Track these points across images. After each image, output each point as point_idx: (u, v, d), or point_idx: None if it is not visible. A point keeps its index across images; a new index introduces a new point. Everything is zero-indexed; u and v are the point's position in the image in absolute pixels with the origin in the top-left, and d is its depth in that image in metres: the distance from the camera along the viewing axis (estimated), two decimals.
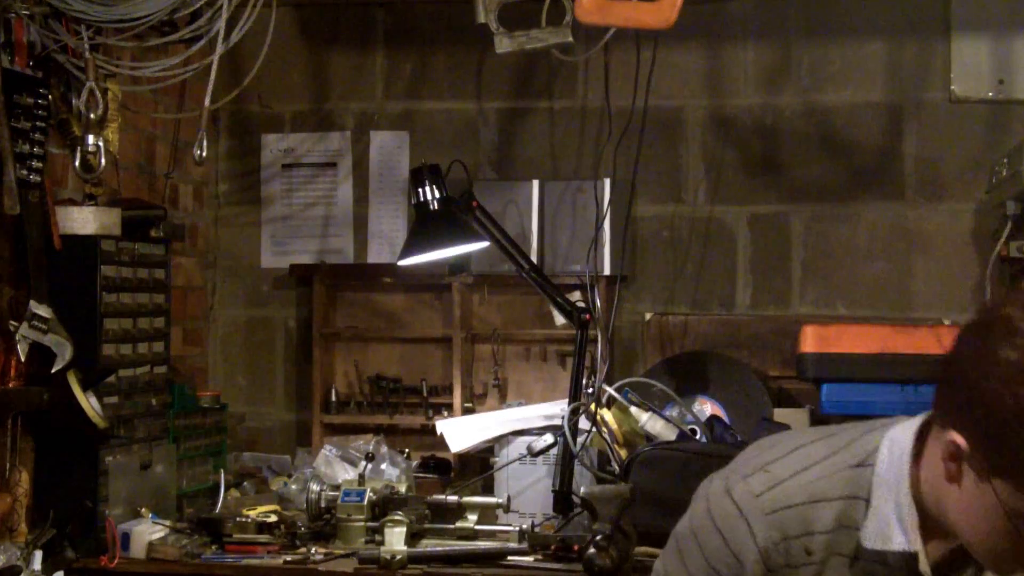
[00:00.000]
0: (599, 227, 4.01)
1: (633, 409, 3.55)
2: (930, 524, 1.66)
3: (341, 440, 3.92)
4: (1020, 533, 1.53)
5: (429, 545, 3.25)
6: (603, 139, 4.12)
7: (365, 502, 3.32)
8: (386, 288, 4.32)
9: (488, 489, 3.62)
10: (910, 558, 1.66)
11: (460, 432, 3.75)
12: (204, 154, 3.27)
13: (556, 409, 3.64)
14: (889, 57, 4.06)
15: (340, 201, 4.39)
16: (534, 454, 3.48)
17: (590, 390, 3.57)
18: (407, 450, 3.90)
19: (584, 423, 3.47)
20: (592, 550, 2.91)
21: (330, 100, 4.41)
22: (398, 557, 3.14)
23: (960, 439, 1.57)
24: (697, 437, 3.51)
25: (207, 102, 3.21)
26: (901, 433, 1.75)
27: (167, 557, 3.22)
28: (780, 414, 3.73)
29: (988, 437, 1.53)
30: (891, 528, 1.67)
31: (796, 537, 1.68)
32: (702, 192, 4.17)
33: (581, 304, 3.77)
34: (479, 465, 3.87)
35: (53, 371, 3.11)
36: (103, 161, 3.28)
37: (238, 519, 3.36)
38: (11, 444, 3.13)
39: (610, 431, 3.50)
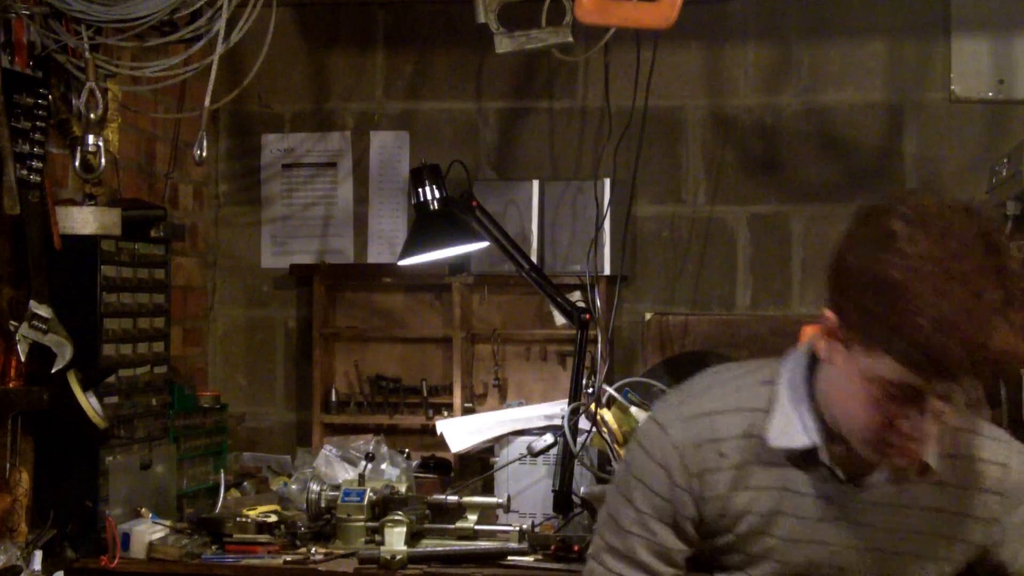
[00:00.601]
0: (599, 227, 4.01)
1: (633, 409, 3.54)
2: (833, 429, 1.78)
3: (341, 440, 3.91)
4: (879, 405, 1.66)
5: (429, 545, 3.25)
6: (603, 139, 4.12)
7: (365, 502, 3.32)
8: (386, 288, 4.32)
9: (488, 489, 3.62)
10: (817, 459, 1.80)
11: (460, 432, 3.75)
12: (204, 154, 3.27)
13: (556, 409, 3.64)
14: (889, 57, 4.06)
15: (340, 201, 4.39)
16: (534, 454, 3.48)
17: (590, 390, 3.57)
18: (407, 450, 3.90)
19: (584, 423, 3.46)
20: None
21: (330, 100, 4.41)
22: (398, 557, 3.14)
23: (830, 314, 1.71)
24: None
25: (207, 102, 3.21)
26: (803, 347, 1.88)
27: (167, 557, 3.22)
28: None
29: (847, 304, 1.67)
30: (793, 426, 1.80)
31: (709, 441, 1.84)
32: (702, 192, 4.17)
33: (581, 304, 3.77)
34: (479, 465, 3.87)
35: (53, 371, 3.11)
36: (103, 161, 3.28)
37: (238, 519, 3.36)
38: (11, 444, 3.13)
39: (610, 431, 3.50)
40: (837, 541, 1.84)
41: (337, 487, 3.41)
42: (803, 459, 1.81)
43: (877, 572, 1.86)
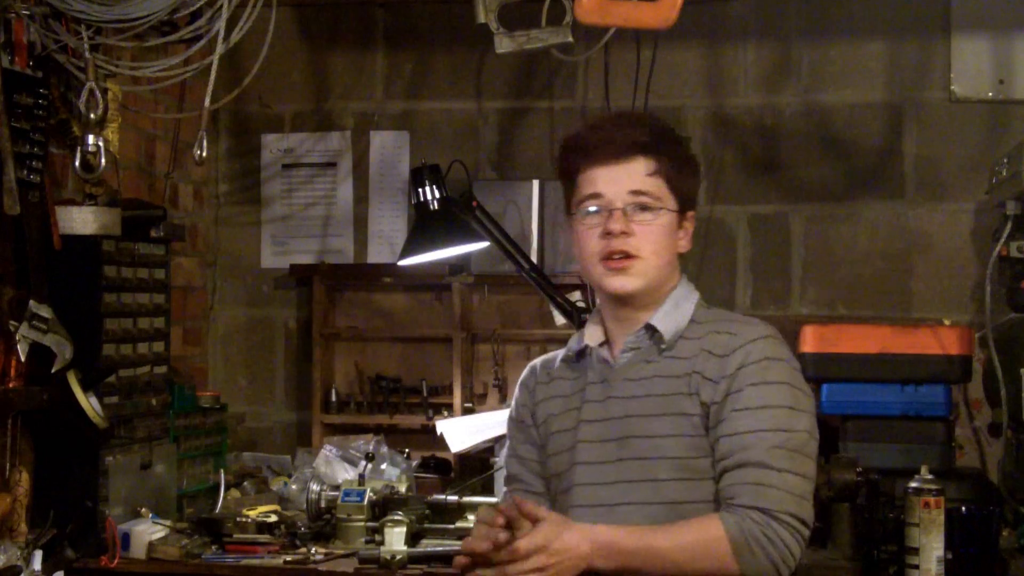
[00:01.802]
0: None
1: None
2: (615, 323, 2.32)
3: (341, 440, 3.92)
4: (585, 226, 2.24)
5: (429, 545, 3.25)
6: None
7: (365, 502, 3.32)
8: (386, 288, 4.32)
9: (488, 489, 3.62)
10: (595, 351, 2.32)
11: (460, 432, 3.75)
12: (204, 154, 3.27)
13: None
14: (889, 57, 4.06)
15: (340, 201, 4.39)
16: None
17: None
18: (407, 450, 3.90)
19: None
20: None
21: (330, 100, 4.41)
22: (398, 557, 3.14)
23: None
24: None
25: (207, 102, 3.21)
26: None
27: (167, 557, 3.22)
28: None
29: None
30: (581, 335, 2.36)
31: (543, 364, 2.43)
32: (702, 192, 4.15)
33: (581, 304, 3.76)
34: (479, 465, 3.87)
35: (53, 371, 3.11)
36: (103, 161, 3.28)
37: (238, 519, 3.36)
38: (11, 444, 3.13)
39: None
40: (603, 415, 2.26)
41: (337, 487, 3.41)
42: (589, 355, 2.32)
43: (627, 433, 2.22)
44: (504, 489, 2.47)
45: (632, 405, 2.24)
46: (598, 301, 2.38)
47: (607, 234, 2.22)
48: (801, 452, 2.14)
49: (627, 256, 2.22)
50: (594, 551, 2.11)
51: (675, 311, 2.28)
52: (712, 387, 2.19)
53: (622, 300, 2.28)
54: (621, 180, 2.23)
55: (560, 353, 2.43)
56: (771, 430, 2.13)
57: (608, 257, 2.23)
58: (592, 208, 2.25)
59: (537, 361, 2.46)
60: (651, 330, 2.27)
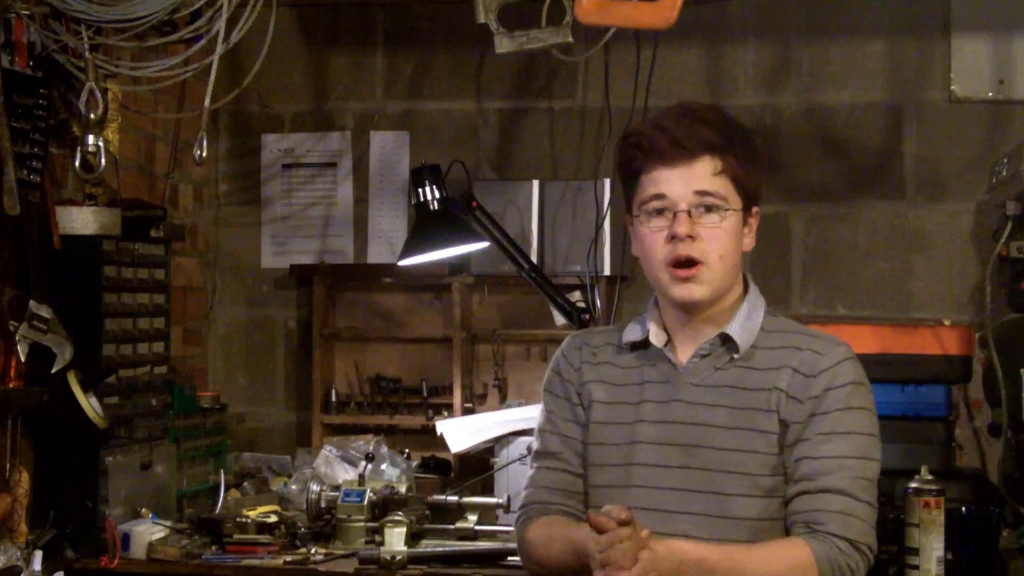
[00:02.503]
0: (599, 227, 4.01)
1: None
2: (677, 325, 2.25)
3: (341, 440, 3.91)
4: (649, 229, 2.19)
5: (429, 545, 3.25)
6: (603, 139, 4.13)
7: (365, 502, 3.32)
8: (386, 288, 4.32)
9: (488, 489, 3.62)
10: (657, 349, 2.25)
11: (460, 432, 3.75)
12: (204, 154, 3.27)
13: None
14: (889, 57, 4.06)
15: (340, 201, 4.39)
16: None
17: None
18: (407, 450, 3.89)
19: None
20: None
21: (330, 100, 4.41)
22: (398, 557, 3.14)
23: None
24: None
25: (207, 102, 3.21)
26: None
27: (167, 557, 3.22)
28: None
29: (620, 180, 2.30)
30: (636, 327, 2.30)
31: (585, 344, 2.35)
32: None
33: (581, 304, 3.76)
34: (479, 465, 3.87)
35: (53, 371, 3.11)
36: (103, 161, 3.27)
37: (238, 519, 3.36)
38: (11, 444, 3.13)
39: None
40: (667, 417, 2.21)
41: (337, 487, 3.41)
42: (646, 347, 2.26)
43: (694, 441, 2.17)
44: (537, 465, 2.35)
45: (700, 413, 2.19)
46: (656, 297, 2.30)
47: (672, 238, 2.16)
48: (875, 482, 2.17)
49: (693, 263, 2.16)
50: (683, 568, 2.06)
51: (748, 320, 2.24)
52: (796, 406, 2.16)
53: (687, 308, 2.23)
54: (686, 180, 2.16)
55: (603, 334, 2.37)
56: (854, 457, 2.14)
57: (675, 264, 2.17)
58: (656, 209, 2.18)
59: (579, 336, 2.39)
60: (725, 338, 2.23)
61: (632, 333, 2.30)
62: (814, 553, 2.08)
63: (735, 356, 2.22)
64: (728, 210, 2.17)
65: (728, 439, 2.17)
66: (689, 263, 2.16)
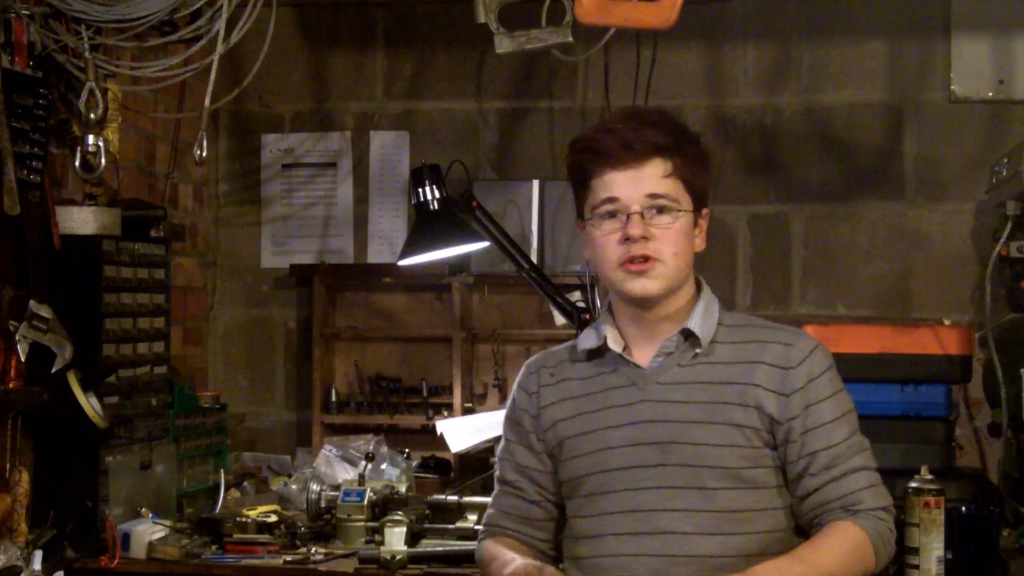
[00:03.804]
0: None
1: None
2: (634, 328, 2.28)
3: (341, 440, 3.92)
4: (601, 232, 2.20)
5: (429, 545, 3.25)
6: None
7: (365, 502, 3.32)
8: (386, 288, 4.32)
9: (488, 489, 3.60)
10: (615, 355, 2.27)
11: (460, 432, 3.75)
12: (204, 154, 3.27)
13: None
14: (889, 57, 4.06)
15: (340, 201, 4.39)
16: None
17: None
18: (407, 450, 3.90)
19: None
20: None
21: (330, 100, 4.41)
22: (398, 557, 3.14)
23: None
24: None
25: (207, 102, 3.21)
26: None
27: (167, 557, 3.22)
28: None
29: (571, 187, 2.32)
30: (592, 333, 2.31)
31: (542, 367, 2.36)
32: None
33: (581, 304, 3.76)
34: (479, 465, 3.87)
35: (53, 371, 3.11)
36: (103, 161, 3.28)
37: (238, 519, 3.36)
38: (11, 444, 3.13)
39: None
40: (636, 418, 2.22)
41: (337, 487, 3.41)
42: (604, 355, 2.28)
43: (668, 439, 2.19)
44: (498, 489, 2.44)
45: (671, 410, 2.22)
46: (610, 303, 2.34)
47: (626, 239, 2.19)
48: (869, 448, 2.28)
49: (647, 259, 2.19)
50: None
51: (707, 316, 2.27)
52: (781, 401, 2.20)
53: (642, 303, 2.25)
54: (637, 183, 2.19)
55: (558, 352, 2.40)
56: (852, 434, 2.24)
57: (629, 261, 2.20)
58: (609, 212, 2.21)
59: (535, 361, 2.41)
60: (686, 334, 2.26)
61: (587, 341, 2.32)
62: (864, 530, 2.17)
63: (698, 351, 2.25)
64: (680, 211, 2.21)
65: (703, 434, 2.19)
66: (644, 260, 2.20)
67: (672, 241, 2.20)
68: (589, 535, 2.25)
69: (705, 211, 2.28)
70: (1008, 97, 3.97)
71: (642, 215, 2.19)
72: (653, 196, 2.19)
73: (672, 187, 2.20)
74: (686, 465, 2.18)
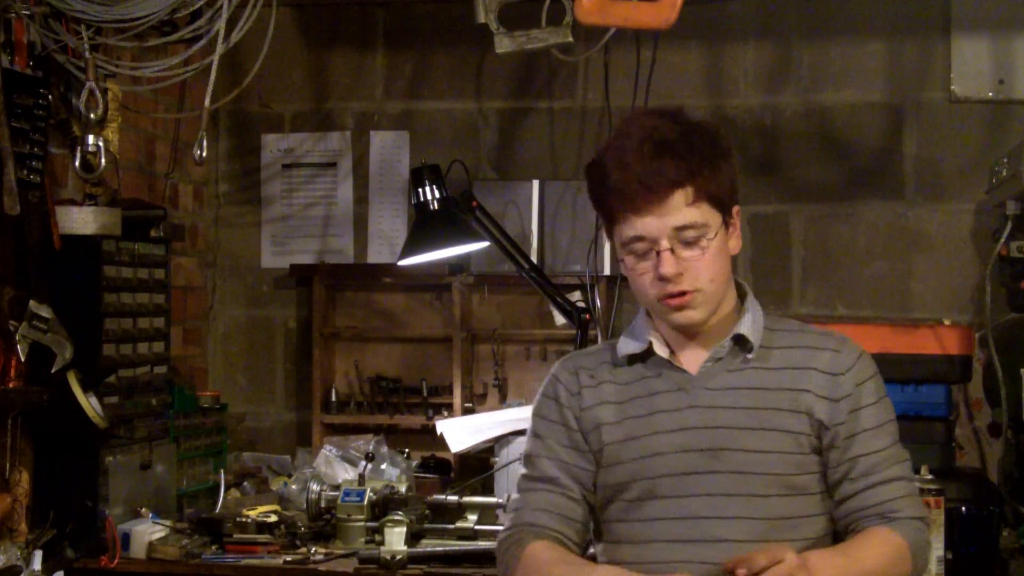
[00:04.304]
0: (599, 227, 4.00)
1: None
2: (671, 335, 2.23)
3: (341, 440, 3.92)
4: (637, 267, 2.15)
5: (429, 545, 3.25)
6: (603, 139, 4.11)
7: (365, 502, 3.32)
8: (386, 288, 4.32)
9: (488, 489, 3.62)
10: (661, 359, 2.22)
11: (460, 432, 3.75)
12: (204, 154, 3.27)
13: None
14: (889, 57, 4.06)
15: (340, 201, 4.39)
16: None
17: None
18: (407, 450, 3.90)
19: None
20: (591, 550, 2.91)
21: (330, 100, 4.41)
22: (398, 557, 3.14)
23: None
24: None
25: (207, 102, 3.21)
26: None
27: (167, 557, 3.22)
28: None
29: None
30: (633, 338, 2.26)
31: (581, 368, 2.30)
32: None
33: (581, 304, 3.76)
34: (479, 465, 3.87)
35: (53, 371, 3.11)
36: (103, 161, 3.28)
37: (238, 519, 3.36)
38: (11, 444, 3.13)
39: None
40: (684, 424, 2.18)
41: (337, 487, 3.41)
42: (646, 360, 2.24)
43: (718, 445, 2.16)
44: (530, 487, 2.29)
45: (720, 416, 2.18)
46: (647, 309, 2.28)
47: (661, 278, 2.14)
48: (909, 460, 2.28)
49: (685, 292, 2.15)
50: None
51: (755, 321, 2.24)
52: (830, 406, 2.18)
53: (688, 330, 2.21)
54: (662, 217, 2.12)
55: (594, 355, 2.34)
56: (893, 444, 2.23)
57: (668, 297, 2.15)
58: (639, 249, 2.16)
59: (571, 362, 2.34)
60: (737, 339, 2.22)
61: (629, 346, 2.27)
62: (903, 537, 2.16)
63: (748, 357, 2.21)
64: (711, 236, 2.15)
65: (754, 440, 2.16)
66: (682, 294, 2.15)
67: (707, 268, 2.16)
68: (634, 540, 2.21)
69: (736, 210, 2.23)
70: (1008, 97, 3.97)
71: (672, 250, 2.13)
72: (680, 228, 2.13)
73: (698, 213, 2.14)
74: (737, 472, 2.15)
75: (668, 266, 2.13)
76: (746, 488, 2.15)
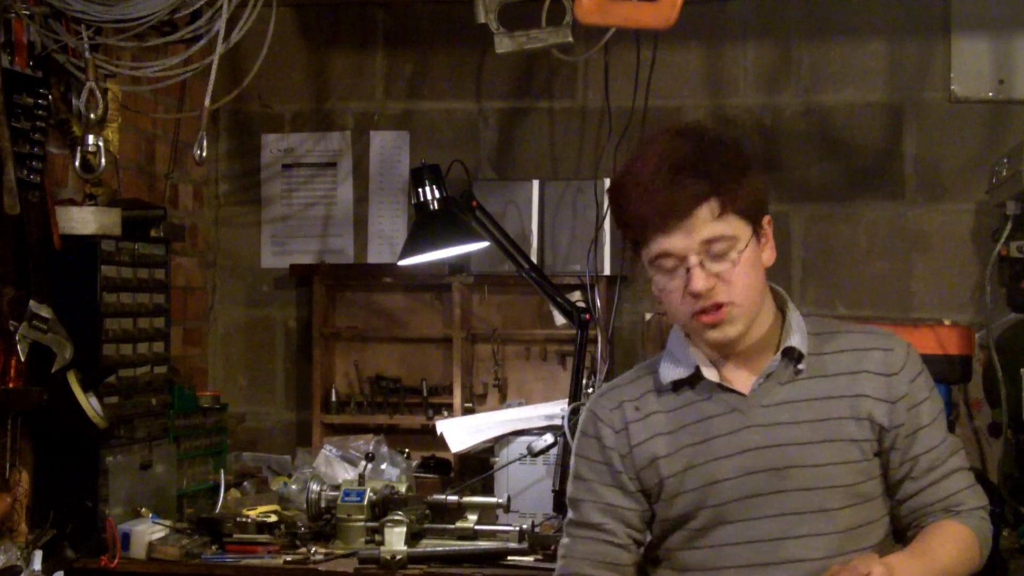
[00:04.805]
0: (599, 227, 4.01)
1: None
2: (713, 355, 2.15)
3: (341, 440, 3.92)
4: (668, 286, 2.09)
5: (429, 545, 3.26)
6: (603, 139, 4.13)
7: (365, 502, 3.32)
8: (386, 288, 4.32)
9: (488, 489, 3.62)
10: (710, 383, 2.14)
11: (460, 432, 3.75)
12: (204, 154, 3.27)
13: (556, 409, 3.63)
14: (889, 57, 4.06)
15: (340, 201, 4.39)
16: (534, 454, 3.48)
17: (590, 390, 3.57)
18: (407, 450, 3.90)
19: None
20: None
21: (330, 100, 4.41)
22: (398, 557, 3.14)
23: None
24: None
25: (207, 102, 3.21)
26: None
27: (167, 557, 3.22)
28: None
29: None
30: (675, 363, 2.18)
31: (625, 401, 2.20)
32: None
33: (581, 304, 3.77)
34: (479, 465, 3.87)
35: (53, 371, 3.11)
36: (103, 161, 3.28)
37: (238, 519, 3.36)
38: (11, 444, 3.13)
39: None
40: (745, 446, 2.11)
41: (337, 487, 3.41)
42: (694, 385, 2.16)
43: (783, 463, 2.09)
44: (575, 534, 2.21)
45: (781, 433, 2.11)
46: (675, 332, 2.21)
47: (692, 294, 2.07)
48: (963, 448, 2.26)
49: (719, 306, 2.07)
50: None
51: (799, 328, 2.19)
52: (888, 408, 2.14)
53: (725, 347, 2.14)
54: (689, 234, 2.05)
55: (635, 384, 2.23)
56: (947, 435, 2.21)
57: (701, 312, 2.08)
58: (667, 265, 2.09)
59: (611, 395, 2.23)
60: (786, 351, 2.16)
61: (673, 372, 2.18)
62: (969, 528, 2.16)
63: (799, 368, 2.15)
64: (741, 250, 2.08)
65: (820, 454, 2.10)
66: (716, 308, 2.08)
67: (740, 280, 2.08)
68: (702, 568, 2.14)
69: (767, 220, 2.14)
70: (1008, 97, 3.97)
71: (702, 264, 2.06)
72: (708, 242, 2.06)
73: (725, 226, 2.06)
74: (806, 489, 2.09)
75: (698, 281, 2.06)
76: (817, 504, 2.09)
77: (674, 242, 2.06)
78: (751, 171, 2.13)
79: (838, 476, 2.10)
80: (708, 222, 2.06)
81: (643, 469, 2.16)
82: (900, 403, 2.14)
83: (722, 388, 2.14)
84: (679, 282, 2.08)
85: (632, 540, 2.19)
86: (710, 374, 2.15)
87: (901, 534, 2.22)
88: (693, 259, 2.06)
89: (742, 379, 2.15)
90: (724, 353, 2.15)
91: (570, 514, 2.24)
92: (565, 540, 2.24)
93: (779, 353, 2.15)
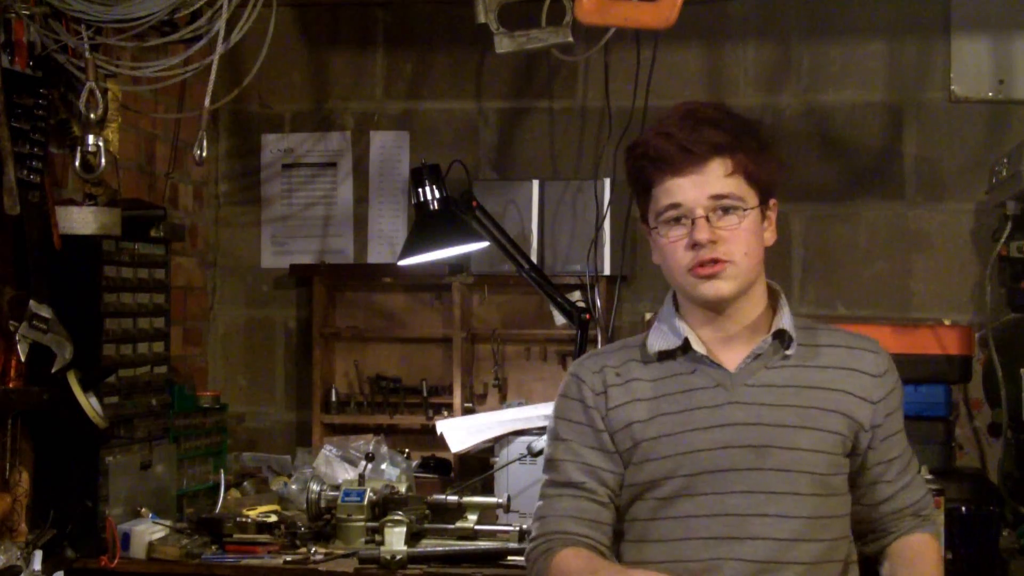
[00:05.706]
0: (599, 227, 4.01)
1: None
2: (710, 330, 2.20)
3: (341, 440, 3.92)
4: (669, 238, 2.15)
5: (429, 545, 3.25)
6: (603, 139, 4.13)
7: (365, 502, 3.32)
8: (386, 288, 4.32)
9: (488, 489, 3.62)
10: (697, 355, 2.19)
11: (460, 432, 3.75)
12: (204, 154, 3.27)
13: None
14: (889, 57, 4.07)
15: (340, 201, 4.39)
16: (534, 454, 3.48)
17: None
18: (407, 450, 3.90)
19: None
20: None
21: (330, 100, 4.41)
22: (398, 557, 3.14)
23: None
24: None
25: (207, 102, 3.21)
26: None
27: (167, 557, 3.22)
28: None
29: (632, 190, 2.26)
30: (664, 333, 2.23)
31: (605, 366, 2.24)
32: None
33: (581, 304, 3.77)
34: (479, 465, 3.87)
35: (53, 371, 3.11)
36: (103, 161, 3.28)
37: (238, 519, 3.36)
38: (11, 444, 3.13)
39: None
40: (725, 420, 2.15)
41: (337, 487, 3.41)
42: (678, 356, 2.21)
43: (765, 442, 2.13)
44: (555, 493, 2.24)
45: (765, 413, 2.15)
46: (676, 305, 2.25)
47: (694, 245, 2.12)
48: None
49: (717, 262, 2.13)
50: None
51: (789, 314, 2.23)
52: (869, 408, 2.20)
53: (716, 306, 2.18)
54: (700, 186, 2.12)
55: (619, 352, 2.28)
56: (907, 443, 2.32)
57: (699, 266, 2.13)
58: (674, 218, 2.15)
59: (593, 361, 2.28)
60: (777, 334, 2.20)
61: (661, 341, 2.23)
62: (932, 536, 2.30)
63: (787, 354, 2.20)
64: (746, 209, 2.14)
65: (798, 439, 2.15)
66: (713, 263, 2.13)
67: (741, 241, 2.13)
68: (665, 539, 2.16)
69: (773, 202, 2.21)
70: (1008, 97, 3.97)
71: (707, 218, 2.12)
72: (717, 197, 2.12)
73: (736, 185, 2.13)
74: (783, 470, 2.13)
75: (702, 231, 2.12)
76: (790, 486, 2.13)
77: (685, 191, 2.13)
78: (770, 150, 2.22)
79: (814, 463, 2.15)
80: (720, 177, 2.13)
81: (617, 432, 2.20)
82: (881, 405, 2.21)
83: (709, 362, 2.19)
84: (683, 232, 2.14)
85: (610, 500, 2.22)
86: (698, 346, 2.19)
87: (862, 536, 2.27)
88: (699, 211, 2.12)
89: (730, 357, 2.20)
90: (714, 316, 2.20)
91: (548, 475, 2.26)
92: (541, 503, 2.26)
93: (770, 335, 2.20)
